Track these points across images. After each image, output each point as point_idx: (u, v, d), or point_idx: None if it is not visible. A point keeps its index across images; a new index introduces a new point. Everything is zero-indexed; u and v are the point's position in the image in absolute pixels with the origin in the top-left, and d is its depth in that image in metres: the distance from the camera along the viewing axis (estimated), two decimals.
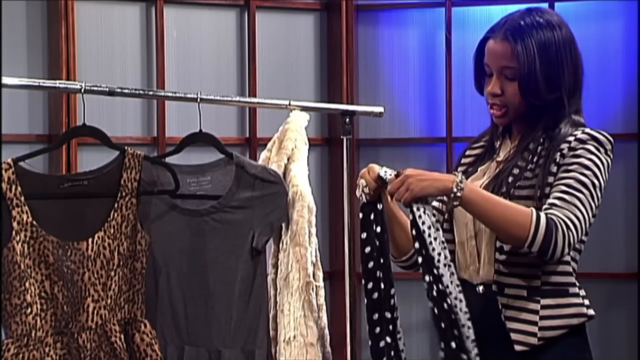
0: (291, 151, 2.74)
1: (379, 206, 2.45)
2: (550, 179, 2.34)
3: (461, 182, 2.28)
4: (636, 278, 4.13)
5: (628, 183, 4.12)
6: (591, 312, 2.39)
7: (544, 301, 2.35)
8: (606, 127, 2.46)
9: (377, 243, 2.44)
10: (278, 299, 2.75)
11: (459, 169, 2.56)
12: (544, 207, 2.31)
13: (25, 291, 2.38)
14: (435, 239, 2.30)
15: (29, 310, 2.38)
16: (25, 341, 2.38)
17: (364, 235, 2.45)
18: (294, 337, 2.68)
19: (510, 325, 2.35)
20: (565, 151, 2.35)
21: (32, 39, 3.85)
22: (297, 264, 2.70)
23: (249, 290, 2.63)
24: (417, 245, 2.32)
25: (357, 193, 2.46)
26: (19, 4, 3.82)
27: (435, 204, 2.56)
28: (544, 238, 2.26)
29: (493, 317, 2.37)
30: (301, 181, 2.71)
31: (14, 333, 2.37)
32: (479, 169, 2.49)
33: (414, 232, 2.32)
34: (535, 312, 2.35)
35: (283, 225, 2.72)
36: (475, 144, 2.58)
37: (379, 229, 2.44)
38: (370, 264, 2.44)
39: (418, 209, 2.30)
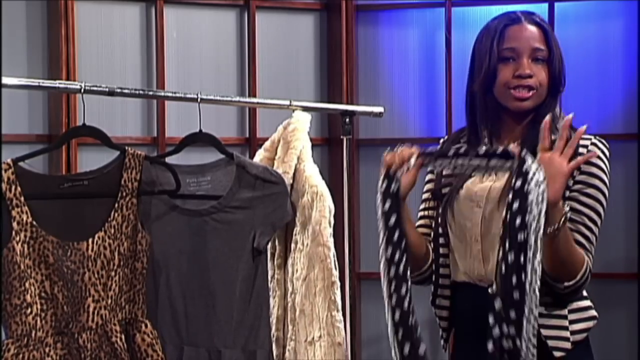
0: (299, 151, 2.74)
1: (398, 174, 2.32)
2: (566, 192, 2.34)
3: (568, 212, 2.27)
4: (636, 278, 4.13)
5: (628, 183, 4.12)
6: (596, 313, 2.44)
7: (569, 305, 2.37)
8: (606, 127, 2.48)
9: (399, 213, 2.31)
10: (290, 299, 2.74)
11: (444, 171, 2.53)
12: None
13: (25, 291, 2.38)
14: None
15: (29, 311, 2.38)
16: (26, 341, 2.38)
17: (387, 205, 2.31)
18: (320, 337, 2.67)
19: (545, 332, 2.35)
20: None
21: (32, 39, 3.85)
22: (322, 264, 2.69)
23: (250, 290, 2.63)
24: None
25: (387, 158, 2.33)
26: (19, 4, 3.82)
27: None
28: (582, 284, 2.31)
29: None
30: (319, 181, 2.71)
31: (14, 333, 2.37)
32: (474, 173, 2.47)
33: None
34: (564, 317, 2.37)
35: (298, 224, 2.72)
36: (455, 145, 2.55)
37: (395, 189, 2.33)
38: (396, 235, 2.30)
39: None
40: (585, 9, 4.16)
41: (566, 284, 2.30)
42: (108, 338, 2.45)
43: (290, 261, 2.76)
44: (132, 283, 2.49)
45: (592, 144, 2.38)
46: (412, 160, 2.33)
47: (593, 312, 2.42)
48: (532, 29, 2.40)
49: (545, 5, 4.10)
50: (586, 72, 4.13)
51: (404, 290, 2.29)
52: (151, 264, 2.54)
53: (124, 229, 2.47)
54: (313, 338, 2.67)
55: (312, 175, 2.72)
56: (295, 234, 2.73)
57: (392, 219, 2.31)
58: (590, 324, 2.40)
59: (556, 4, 4.11)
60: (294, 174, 2.73)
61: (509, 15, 2.44)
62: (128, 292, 2.49)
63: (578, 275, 2.30)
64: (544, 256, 2.24)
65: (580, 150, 2.36)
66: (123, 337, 2.47)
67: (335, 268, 2.74)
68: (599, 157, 2.36)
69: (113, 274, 2.46)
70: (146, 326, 2.50)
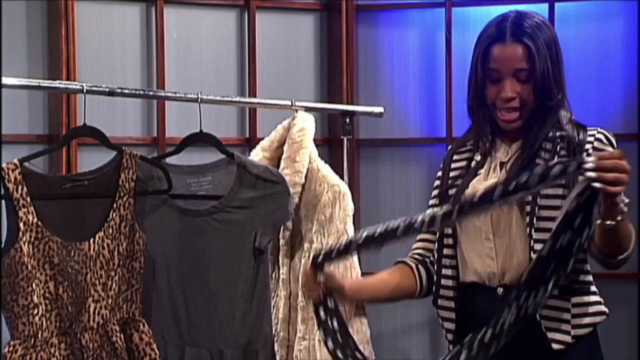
0: (310, 151, 2.74)
1: (330, 303, 2.34)
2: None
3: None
4: (636, 278, 4.13)
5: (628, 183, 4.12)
6: (606, 309, 2.43)
7: (574, 299, 2.37)
8: (606, 127, 2.47)
9: (339, 338, 2.34)
10: (302, 298, 2.73)
11: (451, 174, 2.53)
12: None
13: (32, 292, 2.38)
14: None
15: (35, 311, 2.37)
16: (32, 342, 2.38)
17: (321, 333, 2.36)
18: None
19: (546, 324, 2.35)
20: None
21: (32, 39, 3.85)
22: (347, 262, 2.69)
23: (251, 290, 2.63)
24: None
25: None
26: (19, 4, 3.82)
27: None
28: (630, 254, 2.31)
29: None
30: (339, 181, 2.70)
31: (21, 334, 2.37)
32: (480, 172, 2.47)
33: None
34: (567, 310, 2.36)
35: (314, 223, 2.71)
36: (461, 149, 2.55)
37: (335, 323, 2.35)
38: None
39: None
40: (585, 9, 4.16)
41: (620, 257, 2.29)
42: (109, 338, 2.45)
43: (302, 261, 2.75)
44: (130, 282, 2.49)
45: (597, 139, 2.41)
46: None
47: (601, 308, 2.41)
48: (516, 48, 2.37)
49: (546, 5, 4.10)
50: (586, 72, 4.13)
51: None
52: (152, 264, 2.54)
53: (122, 229, 2.48)
54: None
55: (329, 174, 2.72)
56: (312, 233, 2.72)
57: (330, 345, 2.34)
58: (597, 319, 2.40)
59: (556, 4, 4.11)
60: (306, 173, 2.73)
61: (498, 27, 2.41)
62: (126, 292, 2.49)
63: (630, 247, 2.29)
64: (601, 242, 2.26)
65: (589, 139, 2.40)
66: (122, 336, 2.47)
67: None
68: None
69: (113, 273, 2.47)
70: (144, 325, 2.50)
